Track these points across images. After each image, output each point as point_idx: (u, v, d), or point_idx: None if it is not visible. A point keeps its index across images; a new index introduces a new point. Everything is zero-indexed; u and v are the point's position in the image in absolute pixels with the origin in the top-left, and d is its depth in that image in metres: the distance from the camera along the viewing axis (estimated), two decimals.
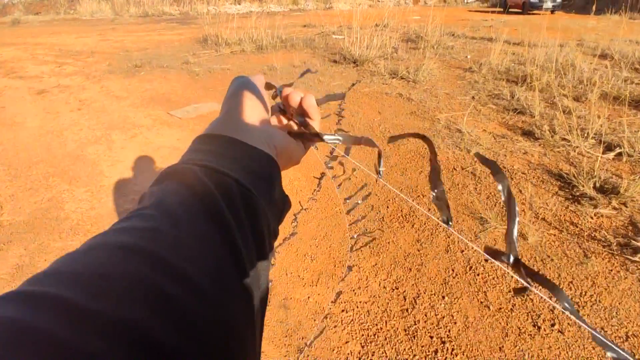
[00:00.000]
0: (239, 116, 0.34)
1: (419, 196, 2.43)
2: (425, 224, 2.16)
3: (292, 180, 2.64)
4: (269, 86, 0.43)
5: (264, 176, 0.30)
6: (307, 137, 0.39)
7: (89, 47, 9.06)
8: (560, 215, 2.19)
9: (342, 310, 1.62)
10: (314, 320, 1.59)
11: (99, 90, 5.21)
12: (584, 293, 1.67)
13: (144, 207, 0.24)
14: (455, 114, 3.82)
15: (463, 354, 1.42)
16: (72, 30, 12.67)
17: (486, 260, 1.85)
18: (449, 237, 2.03)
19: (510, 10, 15.33)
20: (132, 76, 5.95)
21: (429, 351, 1.44)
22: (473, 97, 4.37)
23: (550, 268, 1.81)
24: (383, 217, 2.23)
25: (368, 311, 1.62)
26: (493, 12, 14.95)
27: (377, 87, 4.88)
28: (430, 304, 1.65)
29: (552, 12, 15.33)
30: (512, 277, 1.75)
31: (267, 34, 8.23)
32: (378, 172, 0.41)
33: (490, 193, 2.42)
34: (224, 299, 0.22)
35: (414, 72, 5.25)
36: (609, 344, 0.25)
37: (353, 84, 5.03)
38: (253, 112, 0.34)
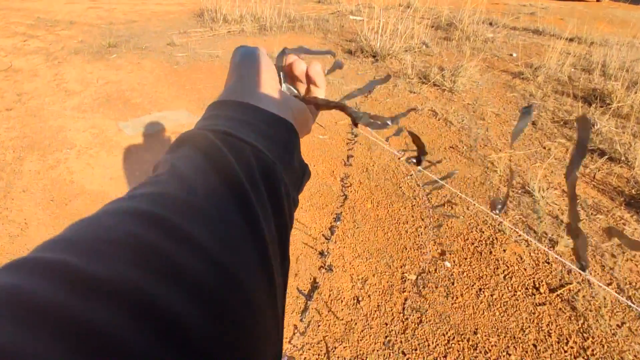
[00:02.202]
0: (253, 82, 0.32)
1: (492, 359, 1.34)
2: None
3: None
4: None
5: (281, 141, 0.29)
6: (331, 106, 0.35)
7: (71, 16, 7.87)
8: None
9: None
10: None
11: (51, 79, 4.12)
12: None
13: (158, 174, 0.24)
14: (516, 155, 2.68)
15: None
16: None
17: None
18: None
19: None
20: (100, 59, 4.81)
21: None
22: (534, 124, 3.20)
23: None
24: None
25: None
26: None
27: (402, 98, 3.71)
28: None
29: (599, 0, 13.60)
30: None
31: (274, 10, 6.99)
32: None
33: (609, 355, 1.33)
34: (237, 266, 0.20)
35: (450, 76, 4.05)
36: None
37: (376, 81, 3.86)
38: (267, 78, 0.33)
